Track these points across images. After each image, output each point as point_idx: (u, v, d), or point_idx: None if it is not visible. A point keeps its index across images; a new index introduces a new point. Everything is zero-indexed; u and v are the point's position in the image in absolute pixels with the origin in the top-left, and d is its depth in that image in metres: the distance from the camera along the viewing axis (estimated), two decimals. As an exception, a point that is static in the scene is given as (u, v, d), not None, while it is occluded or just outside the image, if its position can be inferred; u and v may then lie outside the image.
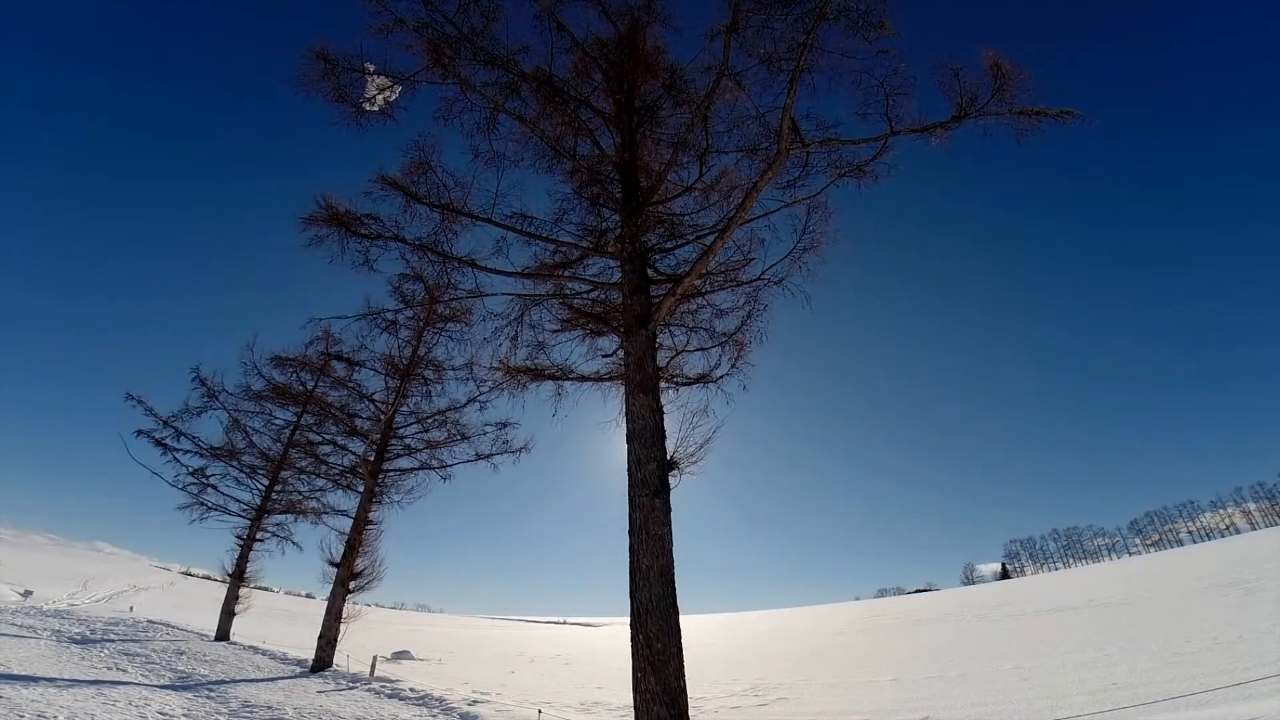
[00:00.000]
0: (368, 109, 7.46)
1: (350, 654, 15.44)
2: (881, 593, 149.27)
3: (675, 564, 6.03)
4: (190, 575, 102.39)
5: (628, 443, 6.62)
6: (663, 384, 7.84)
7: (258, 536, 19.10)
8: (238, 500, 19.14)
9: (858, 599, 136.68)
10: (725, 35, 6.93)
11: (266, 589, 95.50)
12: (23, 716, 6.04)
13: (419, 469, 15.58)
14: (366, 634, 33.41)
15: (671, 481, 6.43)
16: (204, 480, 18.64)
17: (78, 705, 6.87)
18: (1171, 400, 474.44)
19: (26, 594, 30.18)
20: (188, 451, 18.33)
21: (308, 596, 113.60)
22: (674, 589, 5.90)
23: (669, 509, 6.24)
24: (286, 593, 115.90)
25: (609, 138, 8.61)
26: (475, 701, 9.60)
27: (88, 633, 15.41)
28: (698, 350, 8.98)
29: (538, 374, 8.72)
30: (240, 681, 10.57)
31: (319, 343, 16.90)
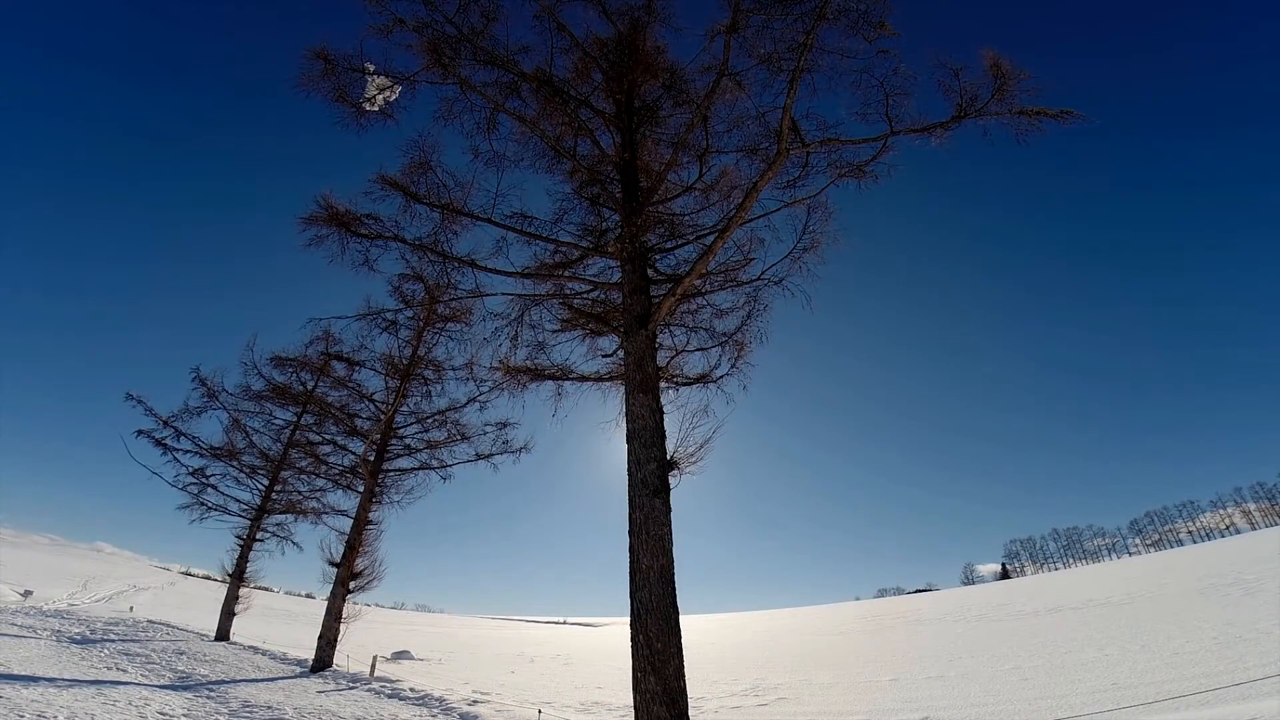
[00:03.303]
0: (368, 109, 7.45)
1: (350, 654, 15.45)
2: (881, 593, 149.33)
3: (675, 564, 6.03)
4: (190, 575, 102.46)
5: (628, 443, 6.62)
6: (663, 384, 7.84)
7: (258, 536, 19.10)
8: (238, 500, 19.17)
9: (858, 599, 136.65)
10: (725, 35, 6.93)
11: (266, 589, 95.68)
12: (23, 716, 6.04)
13: (419, 469, 15.58)
14: (366, 634, 33.44)
15: (671, 481, 6.43)
16: (204, 480, 18.65)
17: (78, 705, 6.88)
18: (1171, 400, 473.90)
19: (26, 594, 30.20)
20: (188, 451, 18.35)
21: (308, 596, 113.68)
22: (674, 589, 5.90)
23: (669, 509, 6.24)
24: (286, 593, 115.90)
25: (609, 138, 8.61)
26: (475, 701, 9.61)
27: (88, 633, 15.41)
28: (698, 350, 8.97)
29: (538, 374, 8.72)
30: (240, 681, 10.57)
31: (319, 343, 16.91)
